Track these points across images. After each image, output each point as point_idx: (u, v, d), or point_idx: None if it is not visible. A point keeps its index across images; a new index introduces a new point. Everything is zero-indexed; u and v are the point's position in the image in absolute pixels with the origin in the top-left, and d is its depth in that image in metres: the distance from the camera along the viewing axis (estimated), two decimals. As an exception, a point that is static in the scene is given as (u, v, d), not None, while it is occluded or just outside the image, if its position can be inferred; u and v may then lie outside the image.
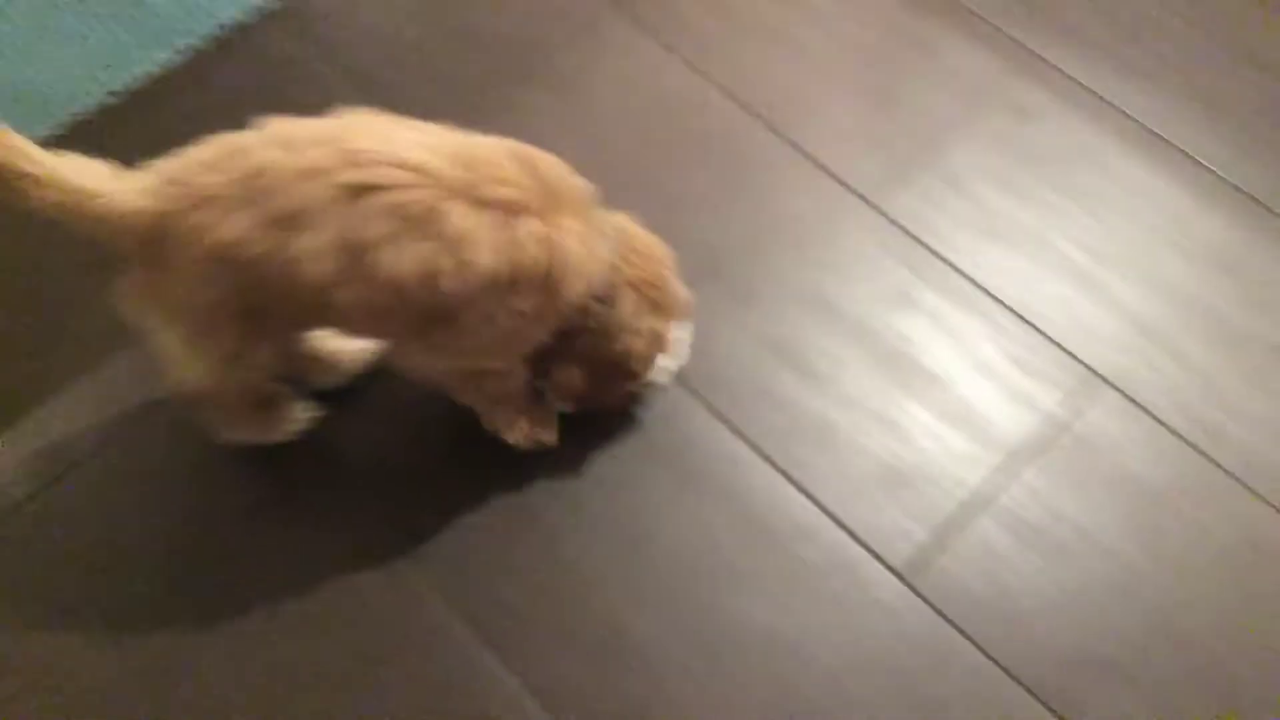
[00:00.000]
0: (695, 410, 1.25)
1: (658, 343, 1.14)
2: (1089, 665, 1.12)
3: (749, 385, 1.28)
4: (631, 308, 1.09)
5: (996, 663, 1.11)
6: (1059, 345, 1.32)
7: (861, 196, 1.43)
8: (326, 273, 0.93)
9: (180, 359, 1.03)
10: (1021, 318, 1.34)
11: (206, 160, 0.94)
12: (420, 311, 0.96)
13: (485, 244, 0.94)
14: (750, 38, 1.57)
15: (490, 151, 0.98)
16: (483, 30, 1.57)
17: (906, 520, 1.20)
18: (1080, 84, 1.52)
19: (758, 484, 1.21)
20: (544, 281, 0.98)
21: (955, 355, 1.31)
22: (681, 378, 1.26)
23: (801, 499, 1.21)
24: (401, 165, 0.93)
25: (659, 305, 1.12)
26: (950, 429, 1.26)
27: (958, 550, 1.18)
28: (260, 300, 0.96)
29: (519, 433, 1.18)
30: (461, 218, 0.93)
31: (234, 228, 0.92)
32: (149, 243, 0.94)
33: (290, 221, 0.92)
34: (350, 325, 1.06)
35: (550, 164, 1.01)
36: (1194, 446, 1.25)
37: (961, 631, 1.13)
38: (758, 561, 1.17)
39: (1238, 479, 1.23)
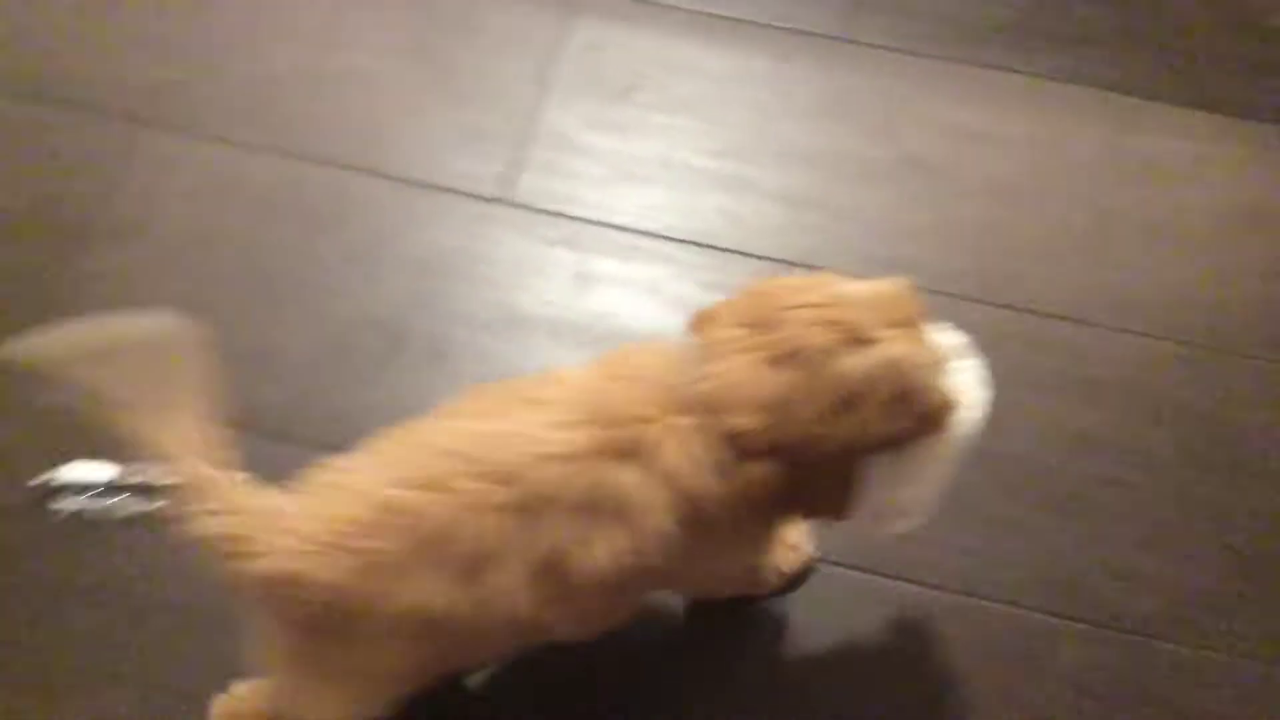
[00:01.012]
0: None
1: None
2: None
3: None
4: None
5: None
6: (740, 253, 1.34)
7: (488, 198, 1.37)
8: (532, 602, 0.82)
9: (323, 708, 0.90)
10: (695, 244, 1.34)
11: (361, 520, 0.80)
12: (638, 586, 0.88)
13: (658, 503, 0.83)
14: (295, 88, 1.44)
15: (617, 390, 0.86)
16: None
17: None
18: (627, -1, 1.52)
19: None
20: (728, 493, 0.84)
21: (659, 307, 1.30)
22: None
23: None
24: (548, 459, 0.81)
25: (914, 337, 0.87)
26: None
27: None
28: (456, 648, 0.88)
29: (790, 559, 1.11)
30: (630, 485, 0.82)
31: (422, 589, 0.80)
32: (319, 612, 0.81)
33: (475, 565, 0.81)
34: (569, 632, 0.91)
35: (648, 358, 0.89)
36: (892, 283, 1.32)
37: (881, 573, 1.16)
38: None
39: (947, 293, 1.31)
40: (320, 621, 0.82)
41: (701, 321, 0.89)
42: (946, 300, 1.30)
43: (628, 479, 0.82)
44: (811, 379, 0.82)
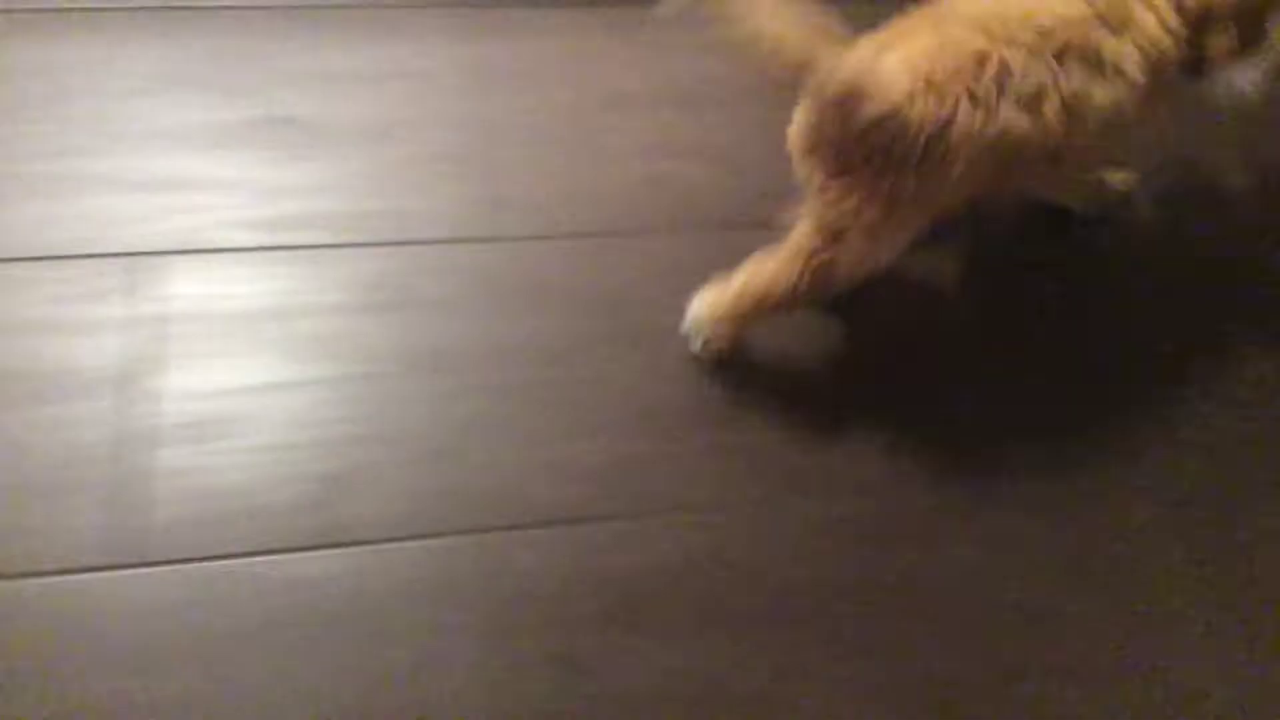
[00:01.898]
0: None
1: None
2: (334, 483, 1.08)
3: None
4: None
5: (255, 554, 1.04)
6: (96, 255, 1.20)
7: None
8: (1062, 134, 1.04)
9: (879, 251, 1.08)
10: (31, 259, 1.19)
11: (928, 51, 1.01)
12: (1109, 139, 1.12)
13: (1138, 63, 1.07)
14: None
15: None
16: None
17: (76, 517, 1.04)
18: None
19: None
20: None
21: (46, 334, 1.14)
22: None
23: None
24: (1065, 22, 1.04)
25: None
26: (51, 406, 1.10)
27: (164, 499, 1.06)
28: (1001, 175, 1.07)
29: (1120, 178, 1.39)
30: (1122, 49, 1.06)
31: (1004, 118, 1.01)
32: (919, 145, 1.00)
33: (1034, 99, 1.02)
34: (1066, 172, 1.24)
35: None
36: (276, 247, 1.22)
37: (240, 555, 1.04)
38: None
39: (350, 244, 1.23)
40: (909, 158, 1.00)
41: None
42: (351, 251, 1.22)
43: (1120, 44, 1.06)
44: None
